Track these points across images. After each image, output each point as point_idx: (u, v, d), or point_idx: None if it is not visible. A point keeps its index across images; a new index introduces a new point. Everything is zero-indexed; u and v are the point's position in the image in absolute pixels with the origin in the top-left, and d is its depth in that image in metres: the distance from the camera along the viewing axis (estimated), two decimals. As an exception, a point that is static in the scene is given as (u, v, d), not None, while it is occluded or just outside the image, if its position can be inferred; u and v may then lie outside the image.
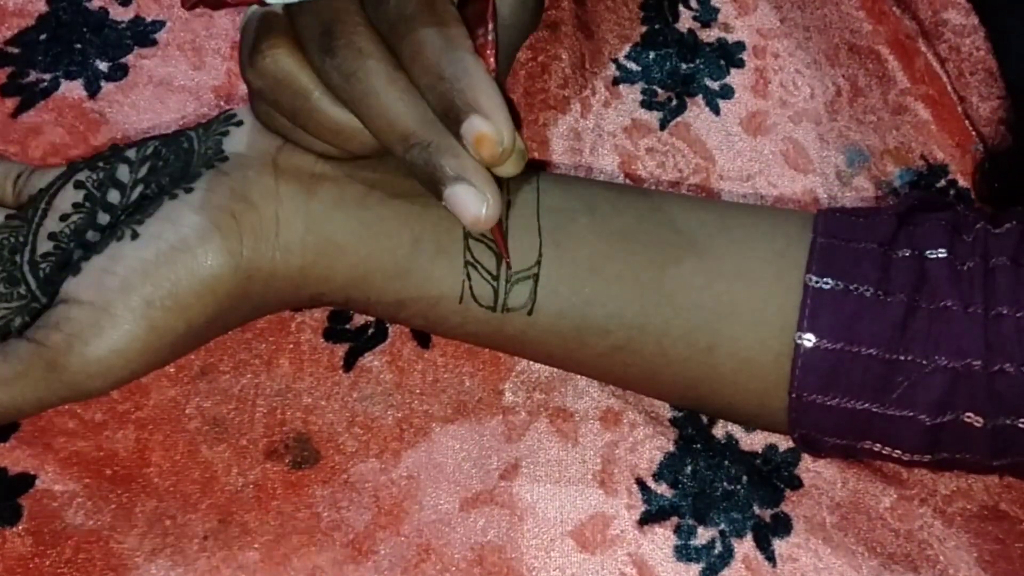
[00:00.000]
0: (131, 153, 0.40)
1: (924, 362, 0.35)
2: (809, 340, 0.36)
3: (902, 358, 0.36)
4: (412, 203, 0.37)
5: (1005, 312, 0.35)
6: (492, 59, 0.35)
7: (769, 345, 0.37)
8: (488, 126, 0.33)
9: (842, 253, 0.37)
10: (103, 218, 0.38)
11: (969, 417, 0.36)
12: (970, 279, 0.36)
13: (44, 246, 0.38)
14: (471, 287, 0.37)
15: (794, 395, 0.37)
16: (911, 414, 0.36)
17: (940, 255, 0.37)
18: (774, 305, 0.37)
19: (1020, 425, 0.35)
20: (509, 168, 0.35)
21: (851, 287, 0.36)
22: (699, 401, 0.40)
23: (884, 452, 0.38)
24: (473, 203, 0.34)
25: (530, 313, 0.37)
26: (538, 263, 0.37)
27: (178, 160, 0.39)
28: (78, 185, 0.39)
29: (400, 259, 0.37)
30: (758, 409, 0.39)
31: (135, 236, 0.36)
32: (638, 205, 0.39)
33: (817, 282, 0.36)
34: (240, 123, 0.39)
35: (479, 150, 0.33)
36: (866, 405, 0.36)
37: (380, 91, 0.34)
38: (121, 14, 0.50)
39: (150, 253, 0.35)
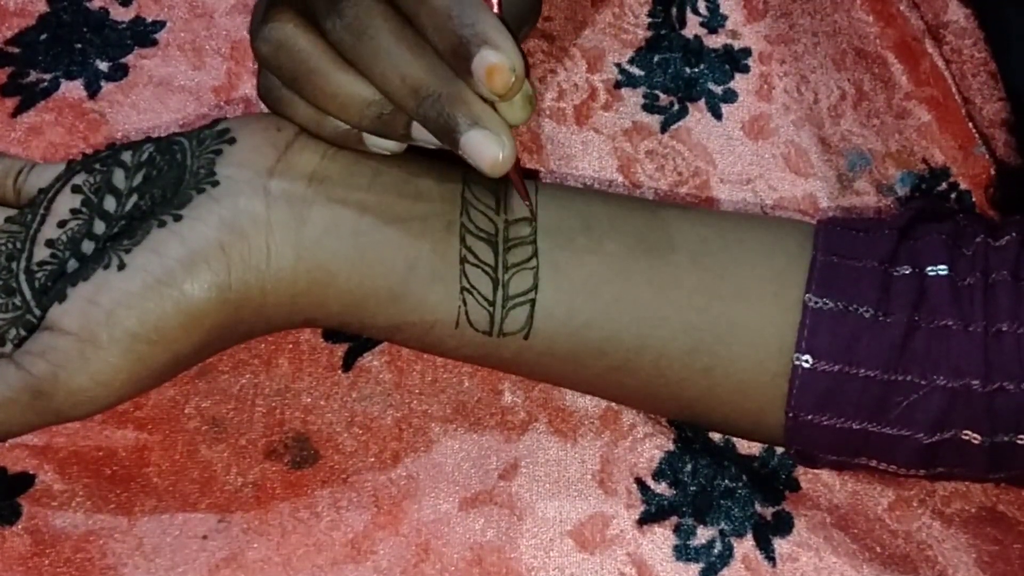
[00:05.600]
0: (127, 157, 0.39)
1: (923, 382, 0.35)
2: (807, 361, 0.36)
3: (900, 378, 0.36)
4: (407, 228, 0.37)
5: (1005, 329, 0.35)
6: (497, 6, 0.36)
7: (767, 366, 0.37)
8: (498, 56, 0.33)
9: (842, 272, 0.37)
10: (99, 226, 0.38)
11: (967, 434, 0.36)
12: (970, 296, 0.36)
13: (41, 253, 0.38)
14: (467, 312, 0.37)
15: (790, 414, 0.37)
16: (908, 433, 0.36)
17: (940, 272, 0.36)
18: (772, 326, 0.37)
19: (1019, 441, 0.35)
20: (519, 111, 0.34)
21: (850, 307, 0.36)
22: (695, 417, 0.40)
23: (880, 467, 0.38)
24: (490, 147, 0.34)
25: (526, 337, 0.37)
26: (535, 287, 0.37)
27: (171, 171, 0.38)
28: (76, 190, 0.39)
29: (395, 285, 0.37)
30: (754, 426, 0.39)
31: (122, 266, 0.35)
32: (636, 222, 0.39)
33: (816, 302, 0.36)
34: (233, 140, 0.38)
35: (491, 83, 0.33)
36: (863, 424, 0.36)
37: (390, 47, 0.34)
38: (121, 14, 0.50)
39: (136, 285, 0.35)
